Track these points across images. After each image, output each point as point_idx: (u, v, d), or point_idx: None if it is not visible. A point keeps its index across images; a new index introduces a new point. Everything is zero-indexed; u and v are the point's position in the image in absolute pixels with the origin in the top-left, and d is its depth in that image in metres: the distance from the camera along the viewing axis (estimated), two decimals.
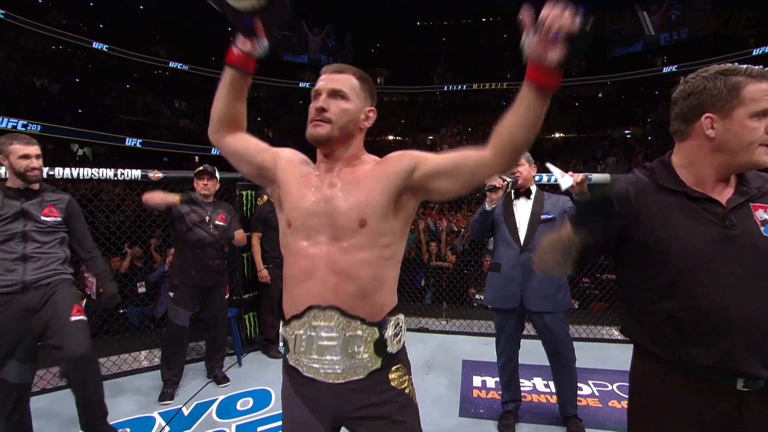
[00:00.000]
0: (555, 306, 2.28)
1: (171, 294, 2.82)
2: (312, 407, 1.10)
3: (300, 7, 24.27)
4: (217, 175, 2.98)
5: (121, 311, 4.18)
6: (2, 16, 16.32)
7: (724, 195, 1.02)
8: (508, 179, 2.29)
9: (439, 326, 4.13)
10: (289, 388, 1.14)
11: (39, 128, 14.18)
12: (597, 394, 2.81)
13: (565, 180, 2.16)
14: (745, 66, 1.01)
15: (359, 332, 1.04)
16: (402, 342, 1.14)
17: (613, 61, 24.09)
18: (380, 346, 1.07)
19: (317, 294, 1.04)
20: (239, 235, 3.06)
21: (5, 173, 2.14)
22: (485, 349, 3.59)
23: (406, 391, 1.12)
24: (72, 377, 2.04)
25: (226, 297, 3.02)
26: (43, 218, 2.09)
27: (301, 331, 1.06)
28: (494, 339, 3.78)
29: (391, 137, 24.53)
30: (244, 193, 3.52)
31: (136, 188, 3.71)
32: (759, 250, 0.95)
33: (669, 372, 1.02)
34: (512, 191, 2.40)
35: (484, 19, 25.96)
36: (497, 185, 2.25)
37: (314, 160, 1.18)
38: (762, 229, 0.97)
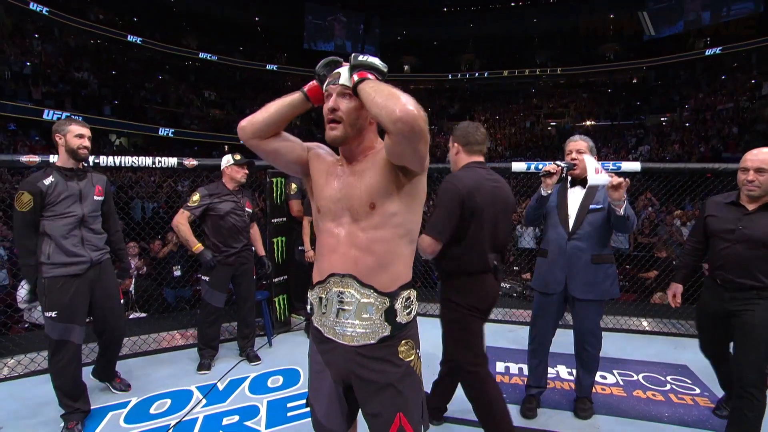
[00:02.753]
0: (600, 294, 2.26)
1: (206, 278, 2.94)
2: (329, 364, 1.25)
3: None
4: None
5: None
6: (47, 13, 17.10)
7: None
8: (563, 164, 2.25)
9: None
10: (312, 348, 1.32)
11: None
12: (621, 383, 2.80)
13: (599, 178, 2.10)
14: None
15: (371, 300, 1.18)
16: (412, 316, 1.26)
17: (649, 44, 22.92)
18: (390, 314, 1.19)
19: (339, 265, 1.20)
20: (255, 231, 3.22)
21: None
22: (510, 337, 3.61)
23: (411, 364, 1.24)
24: (108, 346, 2.51)
25: (254, 277, 3.18)
26: (95, 198, 2.33)
27: (323, 295, 1.23)
28: (517, 327, 3.82)
29: None
30: (274, 180, 3.63)
31: (171, 175, 3.90)
32: None
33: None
34: (569, 179, 2.35)
35: (513, 4, 25.20)
36: (552, 170, 2.24)
37: (337, 152, 1.31)
38: None
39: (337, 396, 1.26)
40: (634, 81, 24.71)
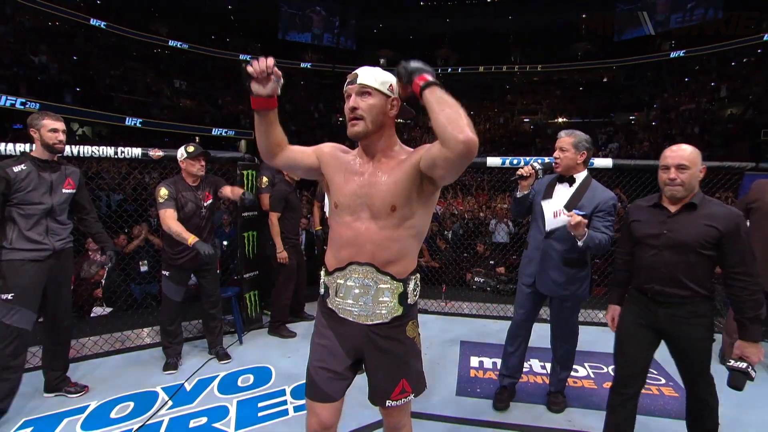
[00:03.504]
0: (566, 296, 2.27)
1: (166, 273, 2.83)
2: (341, 340, 1.39)
3: None
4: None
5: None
6: None
7: None
8: (538, 167, 2.27)
9: (438, 308, 4.17)
10: (323, 323, 1.43)
11: (38, 106, 14.05)
12: (592, 376, 2.86)
13: (557, 221, 2.18)
14: None
15: (388, 285, 1.32)
16: (417, 295, 1.42)
17: (619, 45, 23.62)
18: (403, 297, 1.35)
19: (356, 254, 1.32)
20: (227, 191, 2.99)
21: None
22: (483, 331, 3.63)
23: (416, 341, 1.43)
24: (52, 336, 2.44)
25: (218, 271, 3.07)
26: (64, 191, 2.37)
27: (342, 281, 1.35)
28: (490, 321, 3.87)
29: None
30: (245, 173, 3.50)
31: (137, 167, 3.72)
32: None
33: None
34: (557, 176, 2.32)
35: (489, 0, 25.36)
36: (525, 174, 2.28)
37: (348, 146, 1.45)
38: None
39: (345, 368, 1.40)
40: (605, 80, 25.37)
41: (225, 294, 3.25)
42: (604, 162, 3.65)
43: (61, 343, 2.49)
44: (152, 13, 22.56)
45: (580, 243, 2.06)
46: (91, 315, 3.92)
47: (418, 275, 1.41)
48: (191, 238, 2.64)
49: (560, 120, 23.15)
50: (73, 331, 2.79)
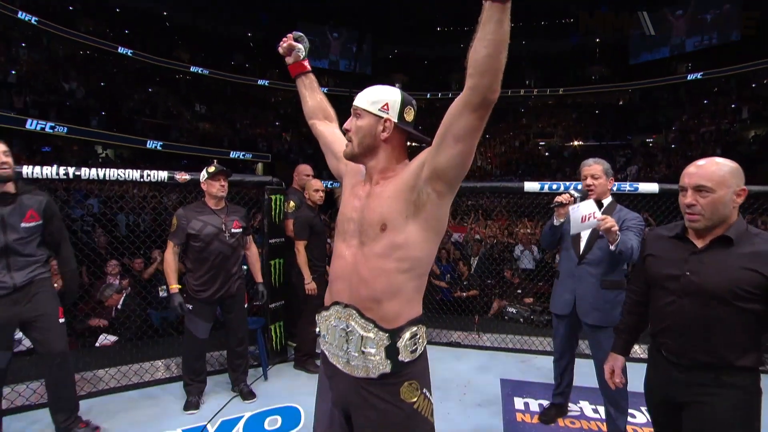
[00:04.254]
0: (608, 321, 2.20)
1: (189, 306, 2.63)
2: (334, 390, 1.23)
3: (321, 11, 24.40)
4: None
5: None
6: (35, 23, 16.78)
7: None
8: (576, 194, 2.28)
9: (471, 341, 3.92)
10: (322, 368, 1.31)
11: (66, 130, 14.44)
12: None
13: (585, 225, 2.07)
14: None
15: (371, 335, 1.12)
16: (418, 354, 1.17)
17: (635, 68, 23.59)
18: (392, 352, 1.12)
19: (342, 292, 1.18)
20: (254, 254, 3.00)
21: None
22: (523, 368, 3.37)
23: (415, 405, 1.15)
24: (50, 372, 2.22)
25: (246, 306, 2.91)
26: (23, 225, 2.10)
27: (327, 322, 1.22)
28: (531, 356, 3.68)
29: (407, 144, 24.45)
30: (273, 197, 3.37)
31: (162, 190, 3.64)
32: None
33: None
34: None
35: None
36: (564, 201, 2.29)
37: None
38: None
39: (339, 423, 1.23)
40: (621, 102, 25.23)
41: (249, 326, 3.08)
42: (649, 187, 3.44)
43: (59, 383, 2.25)
44: (175, 40, 23.38)
45: (612, 247, 2.06)
46: (96, 345, 3.75)
47: (420, 328, 1.16)
48: (173, 286, 2.59)
49: (576, 143, 22.94)
50: (78, 364, 2.65)
